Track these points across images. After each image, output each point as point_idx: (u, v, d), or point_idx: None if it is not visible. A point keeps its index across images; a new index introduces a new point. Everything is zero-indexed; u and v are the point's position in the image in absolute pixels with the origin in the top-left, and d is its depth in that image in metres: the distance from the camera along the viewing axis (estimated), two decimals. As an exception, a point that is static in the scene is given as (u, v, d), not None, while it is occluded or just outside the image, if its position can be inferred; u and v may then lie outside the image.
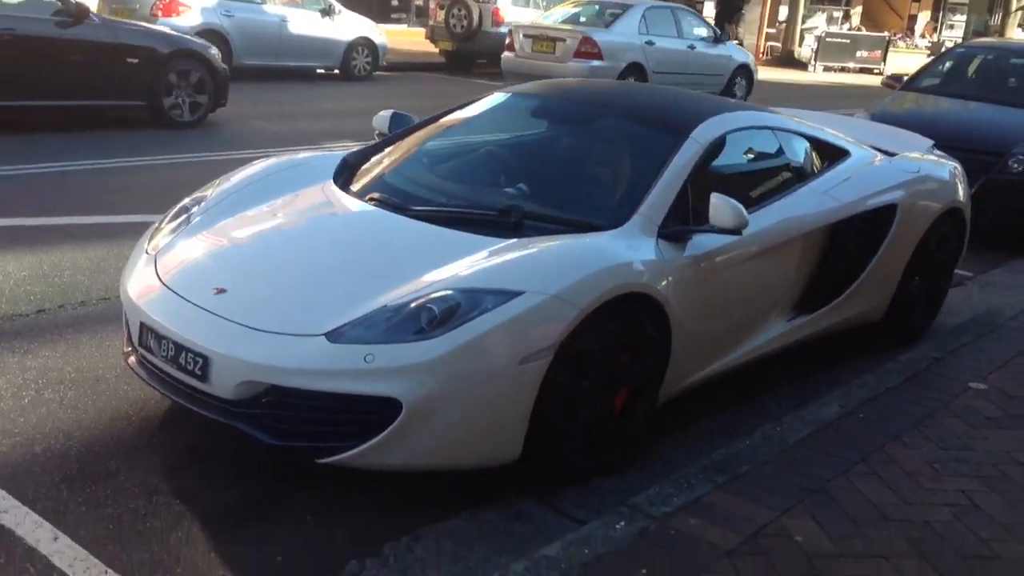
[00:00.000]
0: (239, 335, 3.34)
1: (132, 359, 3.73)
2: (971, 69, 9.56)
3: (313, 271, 3.65)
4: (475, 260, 3.55)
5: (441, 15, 19.14)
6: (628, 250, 3.70)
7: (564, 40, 14.89)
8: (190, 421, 3.82)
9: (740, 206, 3.83)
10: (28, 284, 5.15)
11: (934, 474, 3.73)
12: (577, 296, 3.38)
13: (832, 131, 5.36)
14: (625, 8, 15.72)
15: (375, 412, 3.19)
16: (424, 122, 4.93)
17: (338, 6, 15.93)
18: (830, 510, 3.40)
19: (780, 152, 4.85)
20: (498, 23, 17.67)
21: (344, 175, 4.47)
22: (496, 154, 4.62)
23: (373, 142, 4.84)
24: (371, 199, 4.17)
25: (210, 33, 13.59)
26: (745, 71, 17.72)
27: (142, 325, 3.59)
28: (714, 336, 4.16)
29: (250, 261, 3.77)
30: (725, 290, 4.14)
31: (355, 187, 4.34)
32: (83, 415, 3.81)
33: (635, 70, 15.16)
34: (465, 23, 18.37)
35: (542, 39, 14.99)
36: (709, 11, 28.28)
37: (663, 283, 3.72)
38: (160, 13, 13.51)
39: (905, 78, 9.70)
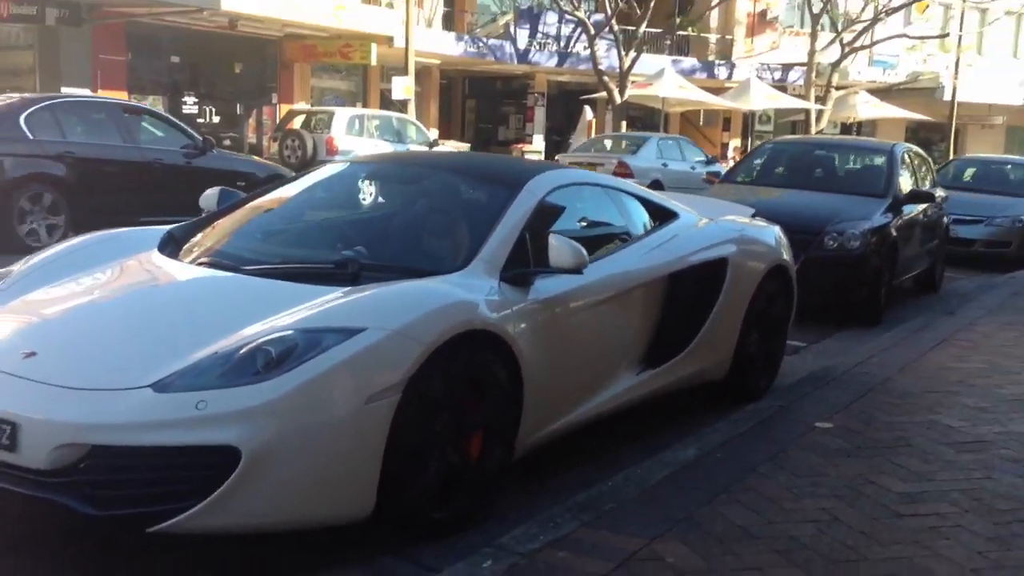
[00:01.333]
0: (52, 396, 3.04)
1: (-69, 445, 3.33)
2: (781, 162, 10.18)
3: (134, 327, 3.40)
4: (313, 305, 3.39)
5: (275, 146, 19.16)
6: (471, 291, 3.63)
7: (603, 164, 17.89)
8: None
9: (578, 245, 3.85)
10: None
11: (793, 497, 3.72)
12: (421, 332, 3.26)
13: (659, 194, 5.53)
14: (644, 139, 20.01)
15: (211, 465, 2.93)
16: (255, 195, 4.79)
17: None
18: (698, 534, 3.32)
19: (613, 208, 4.94)
20: (332, 152, 17.79)
21: (170, 246, 4.25)
22: (331, 219, 4.52)
23: (200, 216, 4.65)
24: (201, 264, 3.97)
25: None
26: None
27: (-58, 400, 3.22)
28: (565, 384, 4.10)
29: (63, 323, 3.49)
30: (571, 335, 4.11)
31: (183, 255, 4.13)
32: None
33: (655, 186, 16.76)
34: (299, 153, 18.41)
35: (586, 164, 17.03)
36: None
37: (509, 323, 3.65)
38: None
39: (723, 172, 10.21)
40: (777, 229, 6.05)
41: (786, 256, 5.87)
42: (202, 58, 22.92)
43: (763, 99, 27.90)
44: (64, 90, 16.26)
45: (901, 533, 3.40)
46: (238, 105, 23.80)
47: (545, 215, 4.21)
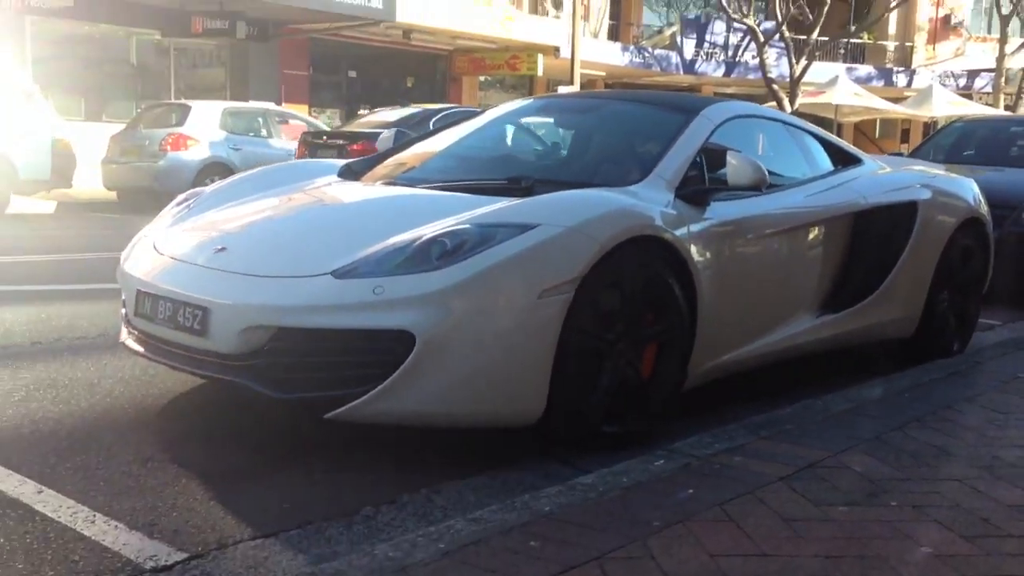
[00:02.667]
0: (240, 283, 3.15)
1: (129, 339, 3.51)
2: (972, 141, 9.59)
3: (317, 227, 3.50)
4: (488, 207, 3.38)
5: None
6: (647, 201, 3.54)
7: None
8: (192, 409, 3.59)
9: (758, 162, 3.70)
10: (24, 326, 4.95)
11: (996, 428, 3.44)
12: (596, 230, 3.19)
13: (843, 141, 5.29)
14: None
15: (386, 349, 2.95)
16: (431, 132, 4.87)
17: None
18: (888, 450, 3.10)
19: (794, 145, 4.75)
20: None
21: (348, 174, 4.36)
22: (510, 148, 4.53)
23: (375, 154, 4.76)
24: (379, 183, 4.05)
25: (218, 166, 13.81)
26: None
27: (138, 293, 3.39)
28: (740, 313, 3.93)
29: (252, 226, 3.62)
30: (747, 263, 3.95)
31: (362, 178, 4.23)
32: (75, 408, 3.55)
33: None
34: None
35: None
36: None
37: (684, 238, 3.53)
38: (169, 148, 13.76)
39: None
40: (973, 183, 5.67)
41: (983, 209, 5.49)
42: (377, 73, 23.74)
43: (946, 106, 26.50)
44: (253, 103, 17.06)
45: (1123, 458, 3.08)
46: (410, 118, 24.46)
47: (721, 143, 4.09)
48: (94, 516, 2.58)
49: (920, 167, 5.52)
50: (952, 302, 5.30)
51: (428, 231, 3.19)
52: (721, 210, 3.82)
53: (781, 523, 2.40)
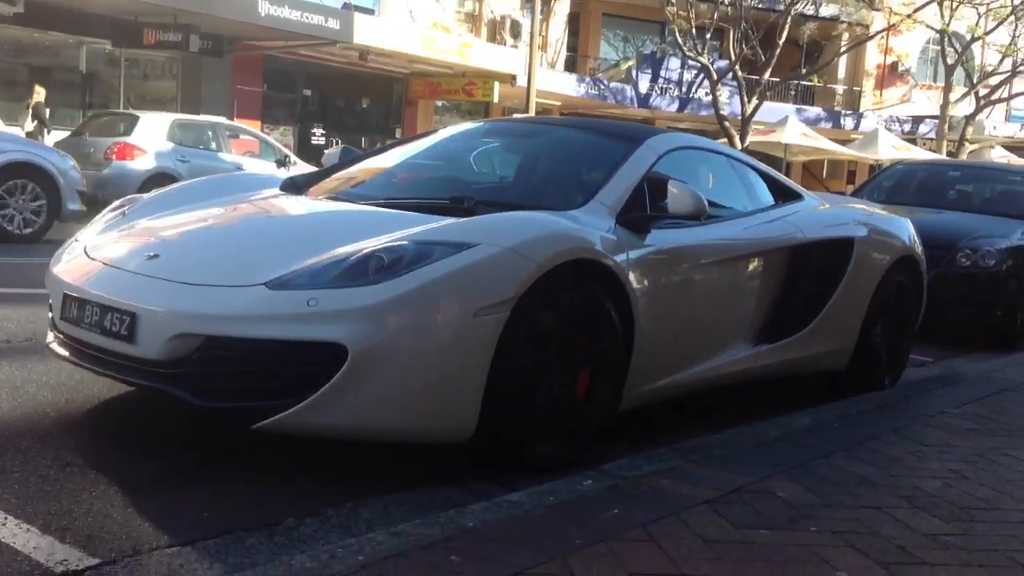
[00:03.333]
0: (170, 290, 3.10)
1: (54, 344, 3.44)
2: (912, 184, 9.79)
3: (255, 241, 3.46)
4: (428, 226, 3.38)
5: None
6: (587, 226, 3.56)
7: None
8: (114, 415, 3.51)
9: (698, 192, 3.75)
10: (-51, 330, 4.83)
11: (917, 460, 3.49)
12: (534, 251, 3.20)
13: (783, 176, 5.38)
14: None
15: (318, 361, 2.92)
16: (377, 151, 4.86)
17: (293, 157, 16.14)
18: (813, 477, 3.14)
19: (735, 178, 4.81)
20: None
21: (292, 188, 4.33)
22: (453, 168, 4.54)
23: (320, 169, 4.74)
24: (322, 198, 4.03)
25: (164, 177, 13.62)
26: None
27: (65, 297, 3.33)
28: (677, 339, 3.96)
29: (188, 236, 3.57)
30: (685, 290, 3.99)
31: (304, 194, 4.20)
32: (-6, 411, 3.46)
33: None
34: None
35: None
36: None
37: (623, 264, 3.55)
38: (115, 157, 13.56)
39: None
40: (908, 222, 5.79)
41: (917, 248, 5.61)
42: (332, 92, 23.65)
43: (891, 150, 27.09)
44: (203, 116, 16.89)
45: (1038, 492, 3.15)
46: (363, 139, 24.43)
47: (663, 172, 4.13)
48: (5, 518, 2.51)
49: (859, 205, 5.62)
50: (885, 337, 5.39)
51: (366, 246, 3.17)
52: (661, 237, 3.86)
53: (702, 545, 2.41)
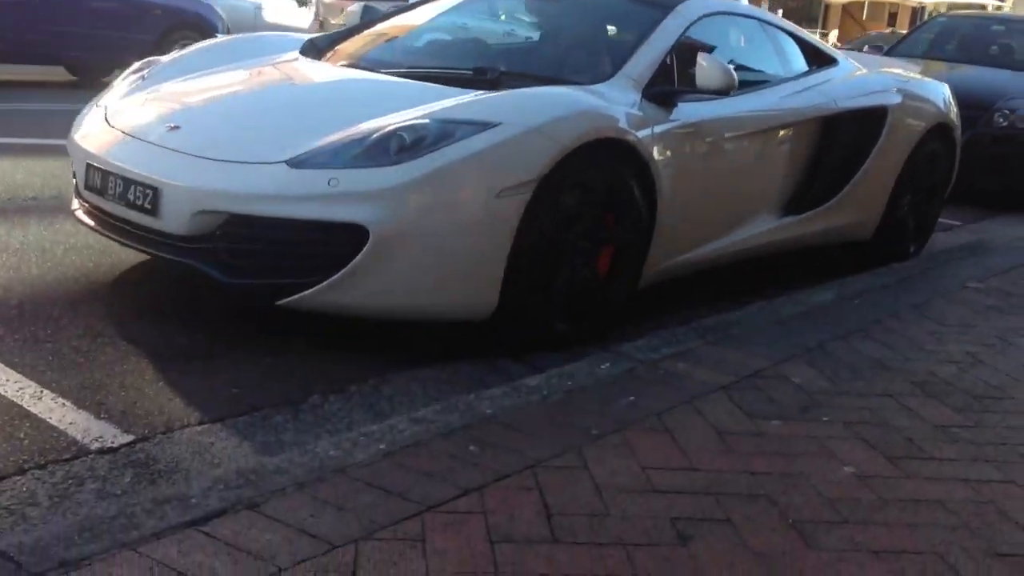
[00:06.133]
0: (193, 165, 3.09)
1: (79, 211, 3.47)
2: (953, 38, 9.47)
3: (276, 111, 3.42)
4: (450, 101, 3.32)
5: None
6: (611, 101, 3.49)
7: None
8: (142, 282, 3.57)
9: (728, 66, 3.65)
10: (-26, 185, 4.87)
11: (936, 341, 3.52)
12: (558, 131, 3.16)
13: (818, 39, 5.21)
14: None
15: (339, 242, 2.93)
16: (399, 10, 4.73)
17: (315, -6, 15.74)
18: (829, 361, 3.18)
19: (768, 44, 4.67)
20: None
21: (311, 52, 4.25)
22: (478, 32, 4.42)
23: (340, 30, 4.63)
24: (342, 65, 3.95)
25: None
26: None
27: (88, 167, 3.33)
28: (701, 213, 3.94)
29: (208, 104, 3.53)
30: (711, 164, 3.93)
31: (323, 59, 4.12)
32: (26, 275, 3.52)
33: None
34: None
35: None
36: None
37: (648, 140, 3.50)
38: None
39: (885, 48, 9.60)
40: (946, 88, 5.63)
41: (952, 116, 5.47)
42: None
43: (935, -9, 26.08)
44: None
45: (1052, 380, 3.18)
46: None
47: (694, 39, 4.01)
48: (41, 392, 2.60)
49: (894, 69, 5.45)
50: (913, 206, 5.34)
51: (387, 123, 3.13)
52: (688, 111, 3.78)
53: (715, 436, 2.47)
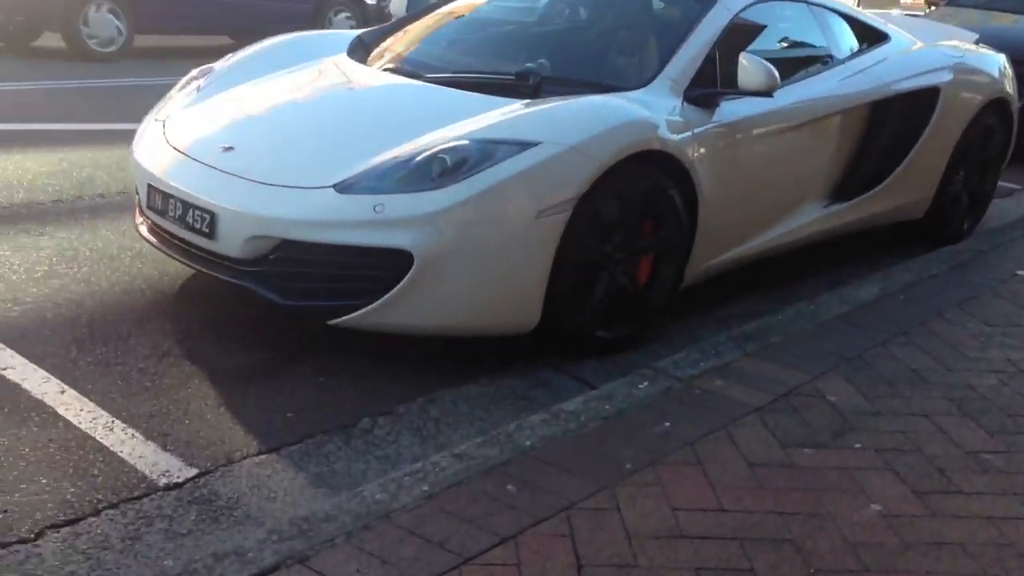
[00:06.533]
0: (246, 189, 3.22)
1: (143, 227, 3.64)
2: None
3: (322, 129, 3.52)
4: (492, 116, 3.39)
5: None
6: (651, 109, 3.53)
7: None
8: (204, 295, 3.73)
9: (770, 66, 3.64)
10: (47, 179, 5.08)
11: (978, 346, 3.54)
12: (597, 149, 3.22)
13: (872, 15, 5.12)
14: None
15: (386, 266, 3.06)
16: (443, 1, 4.77)
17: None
18: (866, 374, 3.23)
19: (816, 27, 4.62)
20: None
21: (358, 51, 4.33)
22: (520, 28, 4.46)
23: (388, 23, 4.70)
24: (386, 69, 4.03)
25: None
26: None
27: (150, 187, 3.49)
28: (744, 211, 3.98)
29: (259, 121, 3.64)
30: (755, 163, 3.95)
31: (370, 60, 4.21)
32: (96, 288, 3.72)
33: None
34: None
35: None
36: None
37: (689, 146, 3.54)
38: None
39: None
40: (1002, 58, 5.51)
41: (1009, 88, 5.36)
42: None
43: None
44: None
45: (1093, 393, 3.20)
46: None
47: (739, 33, 3.99)
48: (112, 423, 2.79)
49: (951, 41, 5.33)
50: (967, 182, 5.29)
51: (431, 142, 3.22)
52: (730, 109, 3.80)
53: (745, 469, 2.57)
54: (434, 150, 3.17)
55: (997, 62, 5.41)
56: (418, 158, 3.16)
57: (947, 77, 4.87)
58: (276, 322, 3.51)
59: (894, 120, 4.66)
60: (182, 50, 10.85)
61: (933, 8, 9.37)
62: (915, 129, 4.79)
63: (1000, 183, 6.80)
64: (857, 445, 2.75)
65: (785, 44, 4.54)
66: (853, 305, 3.91)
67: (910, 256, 4.80)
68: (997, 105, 5.25)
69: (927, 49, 5.05)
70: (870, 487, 2.53)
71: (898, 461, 2.67)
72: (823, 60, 4.53)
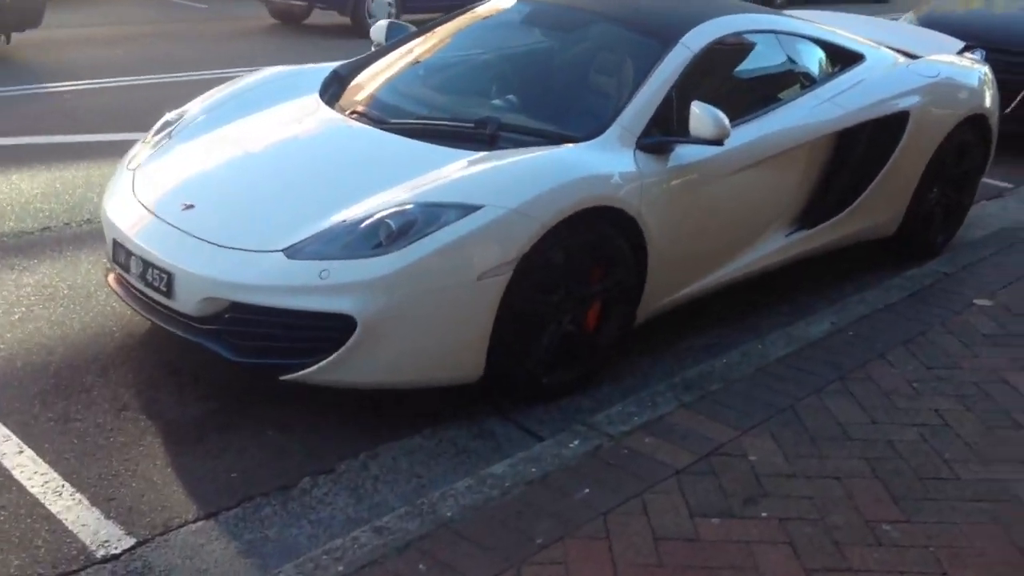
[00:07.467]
0: (201, 251, 3.38)
1: (111, 277, 3.81)
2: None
3: (282, 186, 3.66)
4: (442, 174, 3.51)
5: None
6: (600, 162, 3.62)
7: None
8: (170, 338, 3.89)
9: (721, 115, 3.69)
10: (39, 202, 5.27)
11: (911, 393, 3.63)
12: (539, 210, 3.33)
13: (847, 34, 5.12)
14: None
15: (331, 328, 3.21)
16: (419, 32, 4.85)
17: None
18: (793, 429, 3.34)
19: (783, 57, 4.65)
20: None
21: (332, 87, 4.44)
22: (486, 66, 4.54)
23: (367, 53, 4.79)
24: (353, 113, 4.14)
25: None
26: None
27: (115, 242, 3.66)
28: (700, 249, 4.07)
29: (222, 176, 3.78)
30: (712, 203, 4.03)
31: (340, 100, 4.32)
32: (68, 331, 3.92)
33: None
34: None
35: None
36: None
37: (637, 196, 3.63)
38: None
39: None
40: (983, 70, 5.50)
41: (987, 103, 5.36)
42: None
43: None
44: None
45: (1009, 449, 3.28)
46: None
47: (699, 72, 4.06)
48: (62, 487, 2.98)
49: (929, 58, 5.30)
50: (942, 196, 5.32)
51: (380, 204, 3.35)
52: (685, 153, 3.86)
53: (650, 544, 2.70)
54: (380, 215, 3.30)
55: (976, 75, 5.40)
56: (364, 224, 3.29)
57: (918, 99, 4.88)
58: (235, 370, 3.68)
59: (862, 146, 4.69)
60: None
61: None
62: (884, 151, 4.82)
63: (992, 181, 6.84)
64: (764, 514, 2.87)
65: (751, 78, 4.58)
66: (801, 343, 4.00)
67: (875, 277, 4.88)
68: (974, 120, 5.26)
69: (901, 69, 5.05)
70: (764, 563, 2.66)
71: (798, 533, 2.79)
72: (790, 91, 4.55)
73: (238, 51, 10.49)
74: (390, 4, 12.38)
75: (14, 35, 9.30)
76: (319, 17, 12.97)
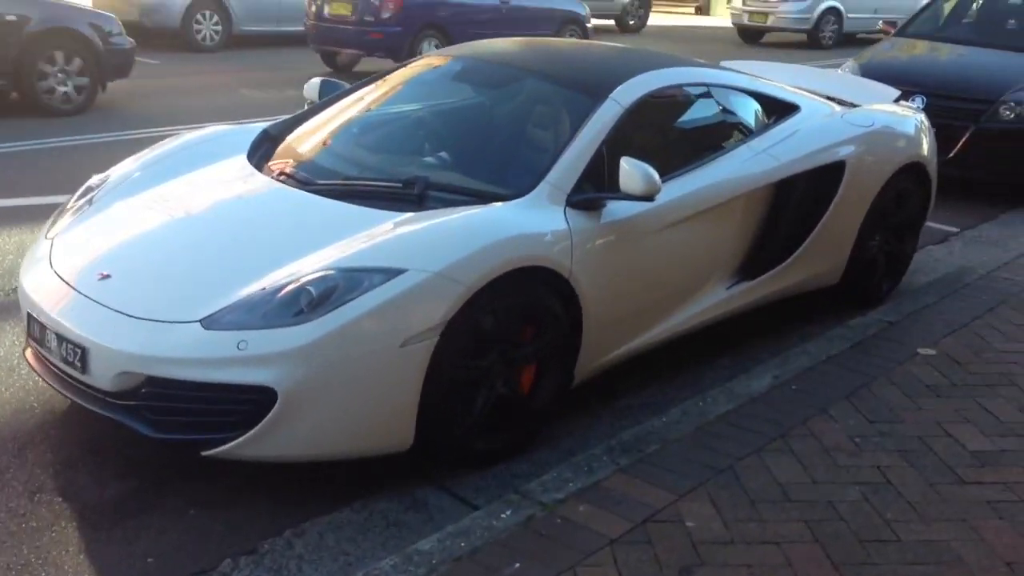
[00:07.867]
0: (114, 323, 3.26)
1: (28, 352, 3.68)
2: (970, 11, 9.16)
3: (201, 254, 3.55)
4: (366, 237, 3.43)
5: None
6: (528, 221, 3.56)
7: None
8: (90, 414, 3.76)
9: (651, 171, 3.65)
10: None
11: (853, 449, 3.57)
12: (463, 274, 3.25)
13: (781, 85, 5.14)
14: None
15: (251, 401, 3.10)
16: (352, 89, 4.80)
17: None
18: (732, 492, 3.26)
19: (716, 110, 4.64)
20: None
21: (261, 148, 4.37)
22: (417, 123, 4.50)
23: (300, 111, 4.73)
24: (280, 174, 4.06)
25: (210, 2, 13.50)
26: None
27: (29, 315, 3.54)
28: (638, 307, 4.01)
29: (141, 244, 3.67)
30: (647, 259, 3.98)
31: (267, 162, 4.23)
32: (-13, 408, 3.77)
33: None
34: None
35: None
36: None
37: (568, 256, 3.57)
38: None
39: (899, 23, 9.34)
40: (919, 119, 5.53)
41: (925, 151, 5.38)
42: None
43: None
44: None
45: (952, 507, 3.23)
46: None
47: (631, 127, 4.04)
48: (-30, 578, 2.84)
49: (864, 109, 5.34)
50: (884, 244, 5.32)
51: (299, 271, 3.26)
52: (618, 208, 3.82)
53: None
54: (300, 282, 3.21)
55: (913, 123, 5.44)
56: (283, 291, 3.20)
57: (853, 149, 4.89)
58: (156, 445, 3.55)
59: (798, 197, 4.68)
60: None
61: (887, 34, 9.37)
62: (823, 201, 4.82)
63: (937, 226, 6.89)
64: (696, 586, 2.79)
65: (683, 131, 4.57)
66: (742, 399, 3.93)
67: (818, 327, 4.85)
68: (912, 168, 5.27)
69: (836, 119, 5.07)
70: (696, 642, 2.57)
71: (731, 607, 2.71)
72: (725, 144, 4.54)
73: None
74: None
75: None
76: (367, 64, 13.59)
